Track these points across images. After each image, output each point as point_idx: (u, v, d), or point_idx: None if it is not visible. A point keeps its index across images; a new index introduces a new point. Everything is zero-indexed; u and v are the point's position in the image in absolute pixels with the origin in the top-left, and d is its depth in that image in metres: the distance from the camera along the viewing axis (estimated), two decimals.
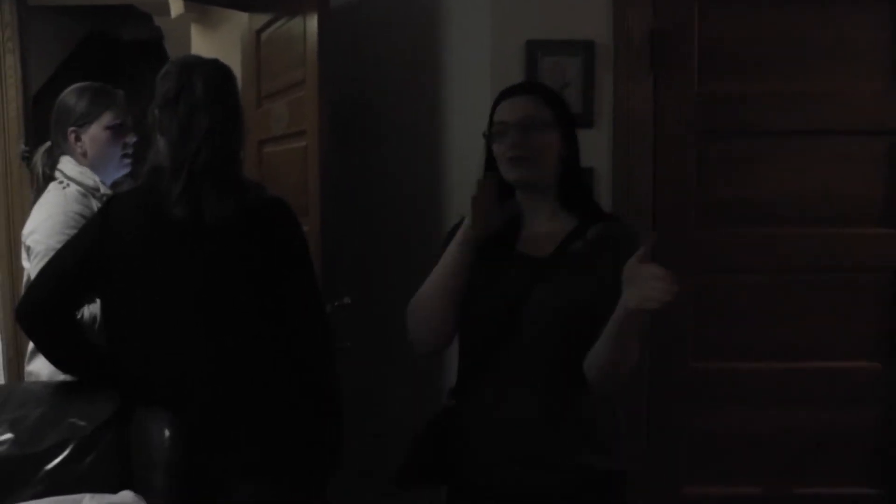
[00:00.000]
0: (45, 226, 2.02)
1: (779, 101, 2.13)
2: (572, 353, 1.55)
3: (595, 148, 2.08)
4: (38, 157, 2.20)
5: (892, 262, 2.17)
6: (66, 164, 2.14)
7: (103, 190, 2.14)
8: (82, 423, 1.66)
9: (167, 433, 1.60)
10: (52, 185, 2.13)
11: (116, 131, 2.18)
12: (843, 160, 2.15)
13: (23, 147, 2.65)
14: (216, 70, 1.76)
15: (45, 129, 2.26)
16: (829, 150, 2.14)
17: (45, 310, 1.70)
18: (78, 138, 2.16)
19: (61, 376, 1.83)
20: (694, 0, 2.13)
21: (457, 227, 1.74)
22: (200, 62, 1.77)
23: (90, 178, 2.14)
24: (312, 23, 2.21)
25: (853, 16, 2.13)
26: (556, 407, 1.61)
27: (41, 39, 3.32)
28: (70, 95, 2.19)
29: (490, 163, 1.67)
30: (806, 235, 2.16)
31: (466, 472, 1.70)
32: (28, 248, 2.04)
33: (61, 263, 1.73)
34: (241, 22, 2.88)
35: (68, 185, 2.11)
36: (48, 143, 2.20)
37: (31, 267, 2.01)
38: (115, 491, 1.57)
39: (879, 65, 2.13)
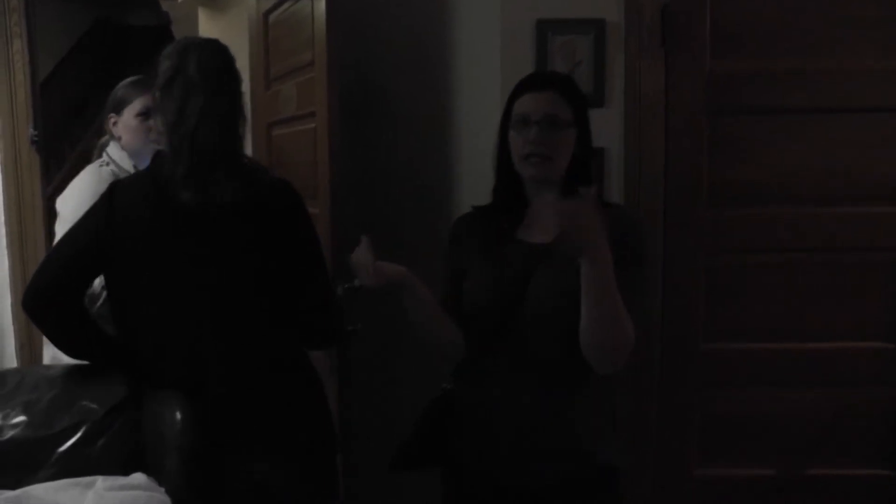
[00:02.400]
0: (76, 198, 2.13)
1: (792, 79, 2.10)
2: (572, 341, 1.53)
3: (607, 127, 2.06)
4: (97, 149, 2.33)
5: None
6: (113, 148, 2.29)
7: None
8: (94, 406, 1.67)
9: (179, 416, 1.60)
10: (94, 163, 2.27)
11: (145, 118, 2.23)
12: (856, 138, 2.12)
13: (32, 131, 2.65)
14: (211, 49, 1.76)
15: (53, 114, 2.28)
16: (842, 128, 2.11)
17: (49, 296, 1.70)
18: (115, 124, 2.28)
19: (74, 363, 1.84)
20: None
21: (458, 223, 1.75)
22: (196, 42, 1.78)
23: (127, 162, 2.26)
24: (320, 4, 2.20)
25: None
26: (556, 397, 1.61)
27: (49, 25, 3.32)
28: (119, 85, 2.32)
29: (503, 152, 1.66)
30: (819, 215, 2.13)
31: (462, 457, 1.70)
32: (59, 214, 2.19)
33: (66, 249, 1.74)
34: (248, 5, 2.86)
35: (108, 163, 2.25)
36: (107, 136, 2.33)
37: (57, 232, 2.15)
38: (127, 473, 1.58)
39: (894, 42, 2.09)
